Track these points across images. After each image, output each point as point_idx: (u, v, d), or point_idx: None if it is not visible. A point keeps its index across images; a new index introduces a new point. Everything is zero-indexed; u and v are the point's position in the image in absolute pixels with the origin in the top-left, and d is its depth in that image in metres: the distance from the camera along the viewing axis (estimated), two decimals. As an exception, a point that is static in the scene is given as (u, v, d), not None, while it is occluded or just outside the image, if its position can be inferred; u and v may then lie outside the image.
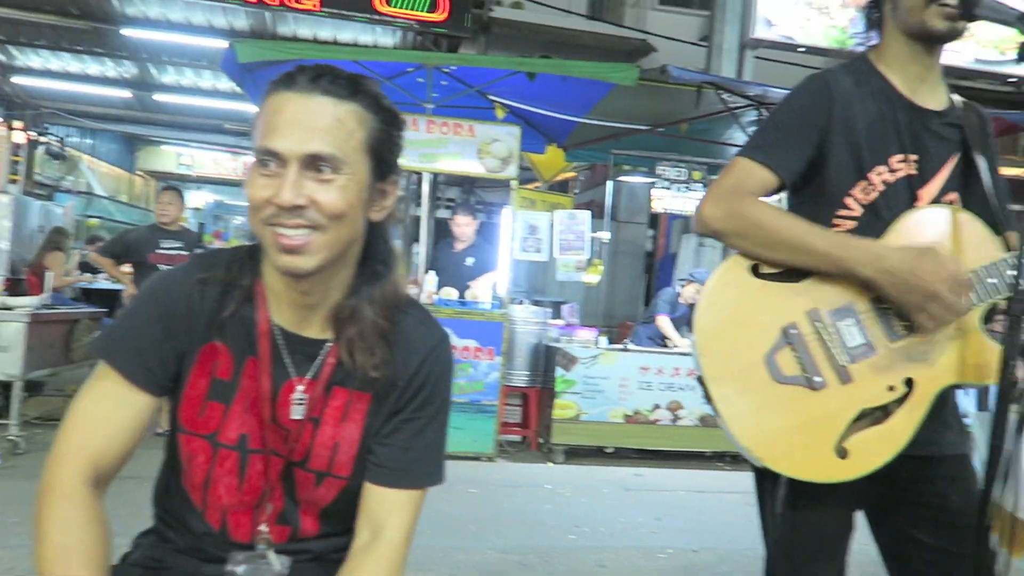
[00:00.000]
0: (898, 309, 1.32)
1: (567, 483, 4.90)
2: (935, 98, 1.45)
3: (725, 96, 5.52)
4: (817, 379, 1.31)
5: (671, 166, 6.11)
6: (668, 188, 6.13)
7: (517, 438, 6.02)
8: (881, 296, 1.32)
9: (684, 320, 6.06)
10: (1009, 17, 1.26)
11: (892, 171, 1.40)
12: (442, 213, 12.82)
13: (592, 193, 10.98)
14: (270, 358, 1.10)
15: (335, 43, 8.67)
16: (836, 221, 1.41)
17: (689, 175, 6.14)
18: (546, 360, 5.78)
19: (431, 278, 5.65)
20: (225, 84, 9.97)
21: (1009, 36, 6.54)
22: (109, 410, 1.05)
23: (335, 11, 7.69)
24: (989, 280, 1.33)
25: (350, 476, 1.13)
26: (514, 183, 5.69)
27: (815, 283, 1.35)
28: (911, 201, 1.41)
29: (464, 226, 6.01)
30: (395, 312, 1.12)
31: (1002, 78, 7.88)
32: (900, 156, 1.41)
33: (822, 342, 1.32)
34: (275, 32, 8.75)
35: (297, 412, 1.10)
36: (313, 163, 1.00)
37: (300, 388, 1.10)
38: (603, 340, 5.80)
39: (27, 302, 4.86)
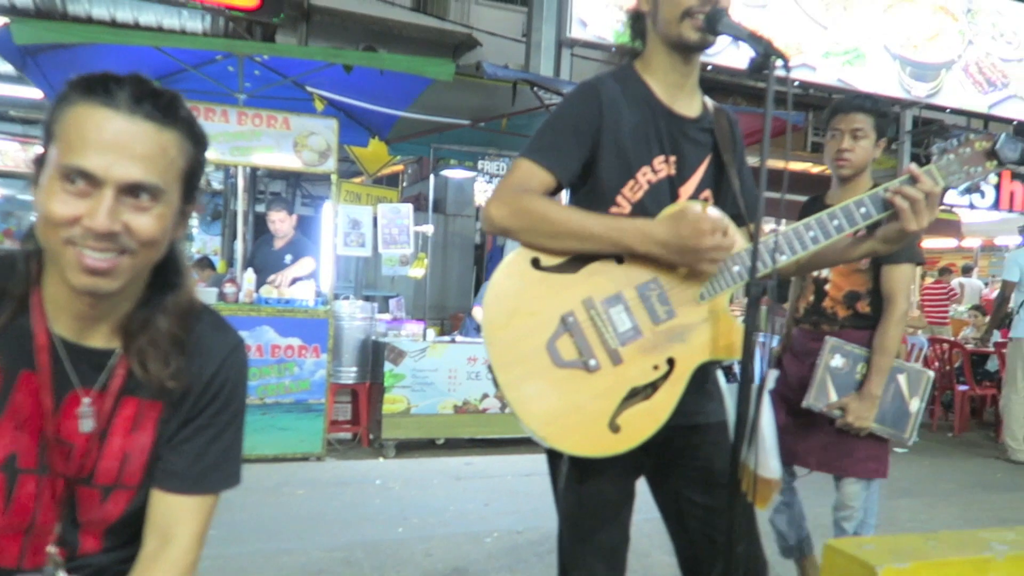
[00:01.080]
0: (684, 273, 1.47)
1: (398, 477, 4.91)
2: (691, 105, 1.62)
3: (541, 93, 5.72)
4: (592, 362, 1.43)
5: (491, 160, 6.25)
6: (490, 182, 6.27)
7: (348, 435, 5.94)
8: (665, 266, 1.47)
9: None
10: (743, 34, 1.43)
11: (655, 171, 1.55)
12: (263, 207, 12.35)
13: (419, 187, 10.99)
14: (50, 371, 1.04)
15: (135, 25, 8.07)
16: None
17: (513, 161, 6.33)
18: (375, 355, 5.75)
19: (249, 275, 5.44)
20: (8, 67, 9.00)
21: (793, 43, 7.16)
22: None
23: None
24: (734, 268, 1.51)
25: (139, 485, 1.10)
26: (334, 177, 5.58)
27: (589, 274, 1.47)
28: (673, 198, 1.56)
29: (279, 222, 5.83)
30: (189, 320, 1.10)
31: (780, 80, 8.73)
32: (661, 157, 1.56)
33: (596, 328, 1.45)
34: (65, 11, 8.00)
35: (85, 425, 1.06)
36: (132, 190, 0.97)
37: (87, 401, 1.05)
38: (431, 333, 5.85)
39: None
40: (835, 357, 2.44)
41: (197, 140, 1.06)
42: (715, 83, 9.51)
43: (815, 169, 11.97)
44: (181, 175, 1.03)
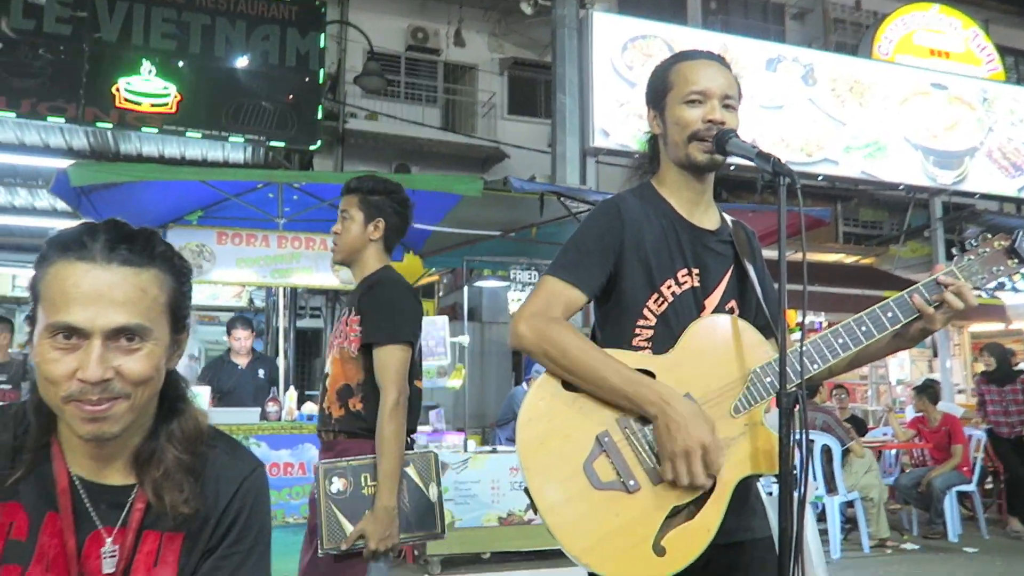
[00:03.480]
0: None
1: (442, 595, 4.78)
2: (709, 218, 1.67)
3: (568, 202, 5.89)
4: (631, 482, 1.42)
5: (523, 269, 6.38)
6: (522, 290, 6.38)
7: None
8: (697, 381, 1.47)
9: None
10: (751, 154, 1.49)
11: (679, 284, 1.59)
12: (305, 323, 12.60)
13: (454, 296, 11.17)
14: (72, 512, 1.07)
15: (182, 160, 8.54)
16: (637, 330, 1.57)
17: (540, 277, 6.46)
18: (415, 468, 5.70)
19: (291, 394, 5.53)
20: (64, 205, 9.55)
21: (812, 140, 7.32)
22: None
23: (176, 127, 7.61)
24: (767, 379, 1.51)
25: None
26: (372, 293, 5.74)
27: None
28: (698, 310, 1.59)
29: (244, 340, 5.79)
30: (198, 445, 1.13)
31: (812, 176, 8.87)
32: (684, 270, 1.59)
33: (632, 447, 1.44)
34: (118, 150, 8.52)
35: (108, 565, 1.07)
36: (119, 334, 1.00)
37: (108, 540, 1.08)
38: (472, 443, 5.82)
39: None
40: (332, 481, 2.09)
41: (178, 272, 1.09)
42: (739, 180, 9.69)
43: (848, 259, 11.94)
44: (166, 309, 1.06)
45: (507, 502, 5.56)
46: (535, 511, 1.41)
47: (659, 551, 1.39)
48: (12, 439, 1.06)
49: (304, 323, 12.28)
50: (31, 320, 1.04)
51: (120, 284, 1.01)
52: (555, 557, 5.54)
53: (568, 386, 1.48)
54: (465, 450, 5.68)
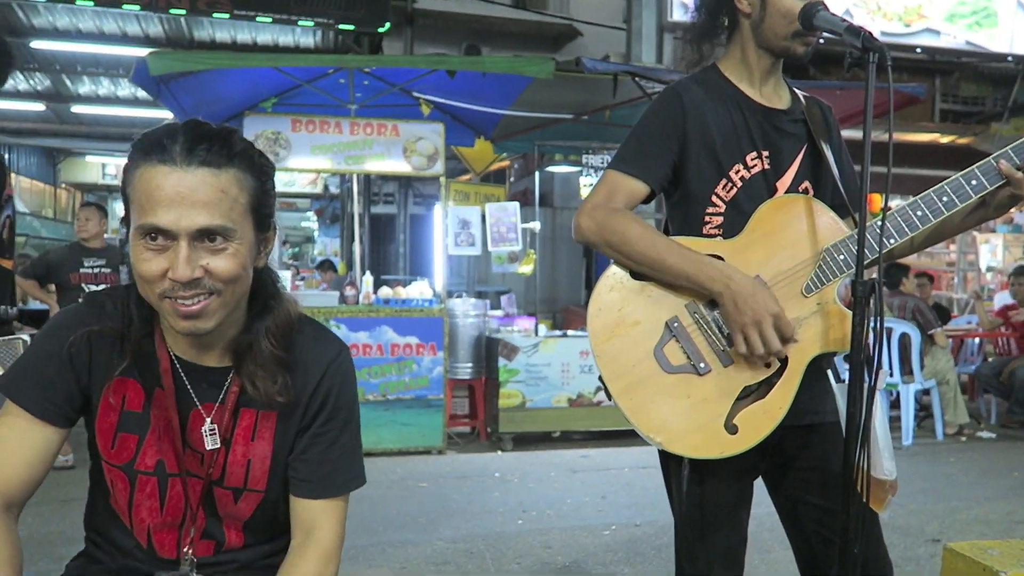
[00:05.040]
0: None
1: (516, 470, 5.02)
2: (780, 96, 1.61)
3: (643, 82, 5.66)
4: (702, 365, 1.45)
5: (596, 154, 6.25)
6: (594, 176, 6.27)
7: (467, 429, 6.12)
8: (767, 261, 1.46)
9: None
10: (838, 28, 1.42)
11: (748, 168, 1.55)
12: (379, 208, 12.79)
13: (525, 182, 11.08)
14: (174, 390, 1.15)
15: (254, 45, 8.55)
16: (706, 218, 1.55)
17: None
18: (488, 351, 5.89)
19: (368, 279, 5.69)
20: (144, 94, 9.75)
21: (912, 7, 6.77)
22: (17, 443, 1.11)
23: (246, 12, 7.57)
24: (840, 257, 1.48)
25: (266, 489, 1.20)
26: (442, 180, 5.75)
27: None
28: (770, 193, 1.55)
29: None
30: (289, 339, 1.19)
31: (909, 48, 8.25)
32: (753, 154, 1.55)
33: (702, 331, 1.46)
34: (192, 37, 8.58)
35: (210, 442, 1.17)
36: (203, 235, 1.04)
37: (208, 420, 1.17)
38: (543, 328, 5.93)
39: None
40: None
41: (258, 171, 1.10)
42: (827, 55, 9.07)
43: (944, 139, 11.24)
44: (248, 209, 1.08)
45: (576, 384, 5.71)
46: (608, 396, 1.46)
47: (731, 429, 1.43)
48: (120, 325, 1.14)
49: (378, 209, 12.48)
50: (126, 221, 1.08)
51: (200, 186, 1.03)
52: (621, 437, 5.71)
53: (636, 276, 1.49)
54: (536, 334, 5.81)
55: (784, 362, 1.45)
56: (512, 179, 11.78)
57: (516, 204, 6.20)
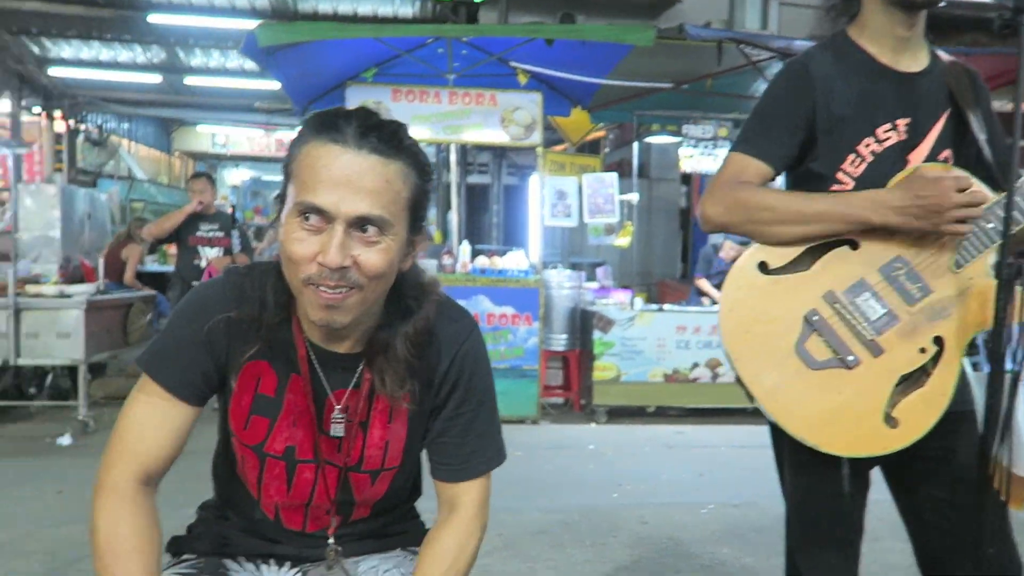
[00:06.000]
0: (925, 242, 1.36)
1: (610, 443, 5.03)
2: (918, 60, 1.49)
3: (747, 50, 5.45)
4: (850, 358, 1.37)
5: (696, 125, 6.07)
6: (695, 146, 6.10)
7: (560, 400, 6.16)
8: (905, 232, 1.37)
9: None
10: None
11: (880, 141, 1.45)
12: (474, 178, 12.88)
13: (622, 152, 10.91)
14: (310, 377, 1.15)
15: (355, 16, 8.70)
16: None
17: (715, 132, 6.09)
18: (583, 323, 5.88)
19: (465, 247, 5.76)
20: (253, 64, 10.09)
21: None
22: (154, 419, 1.12)
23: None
24: (988, 225, 1.37)
25: (400, 465, 1.22)
26: (539, 150, 5.73)
27: (824, 267, 1.40)
28: (902, 165, 1.45)
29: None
30: (425, 348, 1.16)
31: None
32: (887, 125, 1.45)
33: (845, 321, 1.38)
34: (295, 9, 8.80)
35: (337, 430, 1.17)
36: (360, 224, 1.01)
37: (338, 408, 1.17)
38: (638, 301, 5.87)
39: (83, 289, 5.10)
40: None
41: (421, 170, 1.07)
42: (951, 19, 8.49)
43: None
44: (407, 206, 1.05)
45: (672, 360, 5.63)
46: (750, 399, 1.39)
47: (891, 423, 1.35)
48: (257, 310, 1.13)
49: (473, 179, 12.57)
50: (281, 199, 1.06)
51: (368, 172, 1.00)
52: (717, 415, 5.62)
53: (765, 270, 1.42)
54: (632, 307, 5.75)
55: (940, 345, 1.37)
56: (607, 149, 11.62)
57: (614, 175, 6.12)
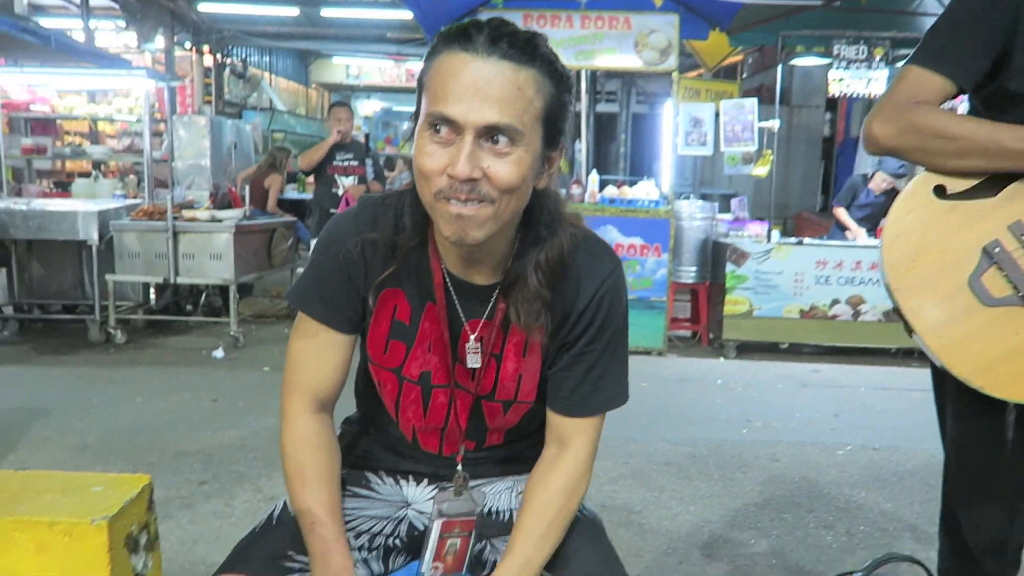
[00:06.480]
0: None
1: (739, 378, 4.90)
2: None
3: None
4: None
5: (849, 44, 5.59)
6: (847, 69, 5.63)
7: (687, 333, 6.04)
8: None
9: (880, 212, 5.69)
10: None
11: None
12: (602, 107, 12.57)
13: (761, 77, 10.30)
14: (445, 305, 1.15)
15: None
16: None
17: (870, 52, 5.59)
18: (715, 256, 5.69)
19: (594, 177, 5.65)
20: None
21: None
22: (315, 352, 1.17)
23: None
24: None
25: (535, 400, 1.21)
26: (675, 75, 5.48)
27: (1012, 195, 1.25)
28: None
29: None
30: (559, 279, 1.12)
31: None
32: None
33: None
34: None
35: (472, 360, 1.16)
36: (490, 133, 0.97)
37: (473, 337, 1.16)
38: (775, 234, 5.60)
39: (232, 214, 5.43)
40: None
41: (559, 79, 1.02)
42: None
43: None
44: (540, 116, 1.00)
45: (810, 295, 5.38)
46: (910, 333, 1.28)
47: None
48: (392, 234, 1.13)
49: (601, 107, 12.28)
50: (415, 116, 1.04)
51: (497, 79, 0.96)
52: (855, 354, 5.35)
53: (941, 194, 1.28)
54: (768, 240, 5.50)
55: None
56: (744, 75, 11.01)
57: (754, 101, 5.78)
